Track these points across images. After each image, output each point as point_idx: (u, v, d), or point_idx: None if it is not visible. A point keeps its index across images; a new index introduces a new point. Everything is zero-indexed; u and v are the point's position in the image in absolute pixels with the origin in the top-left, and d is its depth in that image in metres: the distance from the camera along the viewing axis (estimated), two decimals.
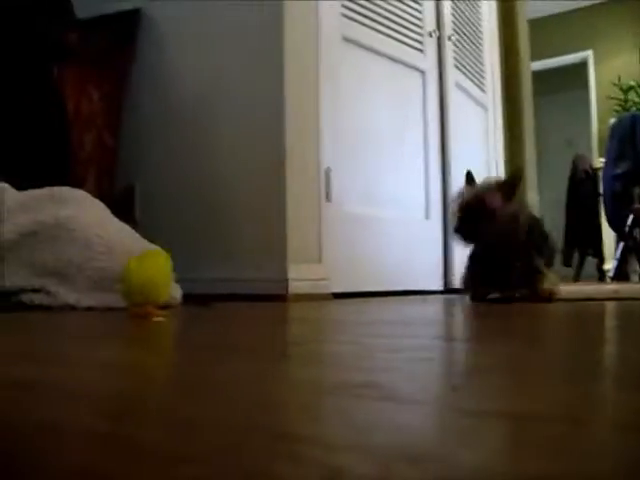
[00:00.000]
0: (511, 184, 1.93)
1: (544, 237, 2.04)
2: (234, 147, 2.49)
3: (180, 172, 2.64)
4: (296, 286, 2.29)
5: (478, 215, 1.84)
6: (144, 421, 0.36)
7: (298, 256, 2.34)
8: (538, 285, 1.88)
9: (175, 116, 2.68)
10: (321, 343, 0.80)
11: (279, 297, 2.26)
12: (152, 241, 1.87)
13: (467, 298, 2.04)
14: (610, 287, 3.04)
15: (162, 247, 1.86)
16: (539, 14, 7.51)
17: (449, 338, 0.84)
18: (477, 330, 1.00)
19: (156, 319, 1.19)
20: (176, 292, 1.80)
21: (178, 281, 1.88)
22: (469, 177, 2.03)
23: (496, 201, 1.86)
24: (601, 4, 7.93)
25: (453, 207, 1.95)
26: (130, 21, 2.79)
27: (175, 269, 1.88)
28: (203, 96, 2.60)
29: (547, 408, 0.37)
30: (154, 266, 1.32)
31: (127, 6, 2.80)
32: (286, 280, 2.27)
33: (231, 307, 1.86)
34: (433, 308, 1.79)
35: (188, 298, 1.89)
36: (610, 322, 1.18)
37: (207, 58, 2.60)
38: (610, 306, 1.67)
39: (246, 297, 2.26)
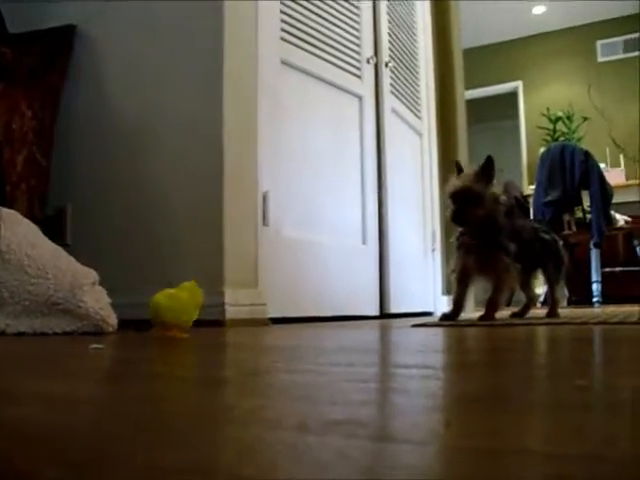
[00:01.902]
0: (487, 169, 2.16)
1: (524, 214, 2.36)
2: (171, 170, 2.45)
3: (115, 194, 2.57)
4: (233, 311, 2.25)
5: (467, 201, 2.12)
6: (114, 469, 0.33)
7: (235, 281, 2.30)
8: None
9: (111, 137, 2.62)
10: (279, 372, 0.76)
11: (216, 322, 2.22)
12: (87, 264, 1.82)
13: (441, 320, 2.24)
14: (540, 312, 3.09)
15: (97, 271, 1.82)
16: (472, 44, 7.68)
17: (409, 366, 0.82)
18: (433, 356, 0.98)
19: (179, 336, 1.46)
20: (112, 318, 1.76)
21: (113, 306, 1.84)
22: (457, 167, 2.27)
23: (480, 186, 2.13)
24: (531, 37, 8.15)
25: (446, 196, 2.22)
26: (64, 37, 2.72)
27: (109, 294, 1.84)
28: (140, 117, 2.55)
29: (553, 445, 0.36)
30: (180, 295, 1.52)
31: (61, 22, 2.73)
32: (222, 305, 2.23)
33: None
34: (378, 333, 1.78)
35: (125, 324, 1.84)
36: (591, 345, 1.18)
37: (145, 78, 2.56)
38: (564, 330, 1.69)
39: None
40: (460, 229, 2.22)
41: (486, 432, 0.40)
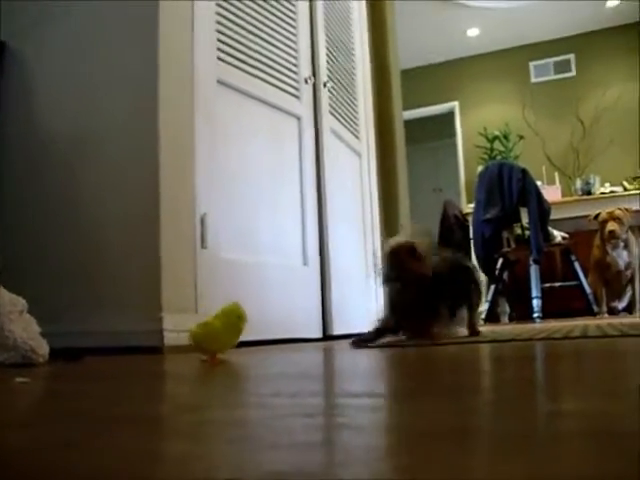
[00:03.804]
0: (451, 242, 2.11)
1: (473, 284, 2.34)
2: (105, 192, 2.37)
3: (47, 218, 2.48)
4: (171, 337, 2.17)
5: (408, 258, 2.06)
6: None
7: (173, 306, 2.23)
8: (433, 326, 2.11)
9: (42, 158, 2.53)
10: (216, 407, 0.70)
11: (154, 349, 2.14)
12: (14, 291, 1.73)
13: (355, 345, 2.11)
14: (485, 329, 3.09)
15: (25, 298, 1.73)
16: (408, 65, 7.76)
17: (357, 394, 0.76)
18: (380, 382, 0.94)
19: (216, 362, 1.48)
20: (42, 348, 1.67)
21: (44, 335, 1.75)
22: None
23: (423, 247, 2.08)
24: (466, 58, 8.28)
25: (384, 255, 2.13)
26: None
27: (40, 322, 1.75)
28: (73, 138, 2.46)
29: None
30: (212, 323, 1.53)
31: None
32: (161, 331, 2.15)
33: (102, 362, 1.74)
34: (321, 357, 1.73)
35: (57, 354, 1.75)
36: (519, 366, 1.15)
37: (78, 98, 2.48)
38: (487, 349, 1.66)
39: (118, 350, 2.13)
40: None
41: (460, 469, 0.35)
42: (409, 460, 0.39)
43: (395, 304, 2.17)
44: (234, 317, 1.53)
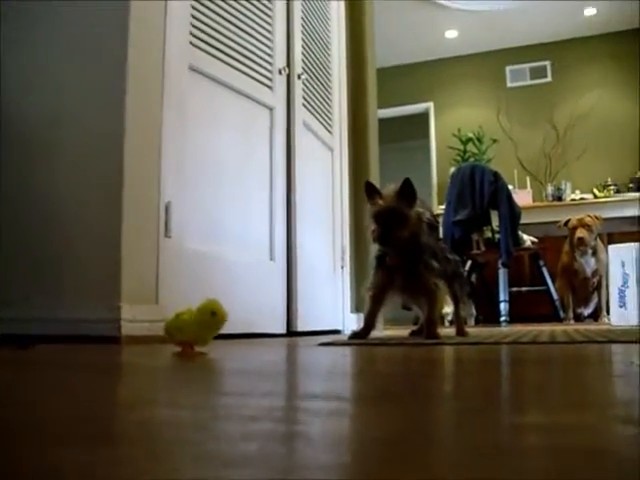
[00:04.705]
0: (407, 189, 2.08)
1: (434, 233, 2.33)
2: (66, 178, 2.29)
3: (4, 201, 2.39)
4: (130, 327, 2.11)
5: (392, 221, 2.06)
6: None
7: (133, 296, 2.16)
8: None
9: (5, 142, 2.44)
10: (158, 406, 0.64)
11: (111, 339, 2.07)
12: None
13: (350, 339, 2.18)
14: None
15: None
16: (384, 64, 7.72)
17: (315, 396, 0.71)
18: (341, 383, 0.89)
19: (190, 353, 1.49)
20: None
21: None
22: (372, 188, 2.17)
23: (404, 206, 2.07)
24: (443, 59, 8.27)
25: (369, 218, 2.13)
26: None
27: None
28: (36, 123, 2.38)
29: None
30: (182, 317, 1.55)
31: None
32: (118, 321, 2.08)
33: (54, 350, 1.67)
34: (283, 353, 1.68)
35: (6, 339, 1.68)
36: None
37: (41, 82, 2.40)
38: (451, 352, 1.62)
39: (74, 339, 2.06)
40: (380, 248, 2.15)
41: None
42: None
43: (386, 264, 2.17)
44: (207, 312, 1.52)
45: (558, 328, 3.47)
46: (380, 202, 2.11)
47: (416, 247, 2.11)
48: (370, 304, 2.22)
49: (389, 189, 2.14)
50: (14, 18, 2.47)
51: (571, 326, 4.05)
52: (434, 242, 2.28)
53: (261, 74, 3.06)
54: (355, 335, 2.24)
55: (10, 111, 2.44)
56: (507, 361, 1.28)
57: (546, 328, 3.53)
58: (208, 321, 1.51)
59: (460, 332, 2.42)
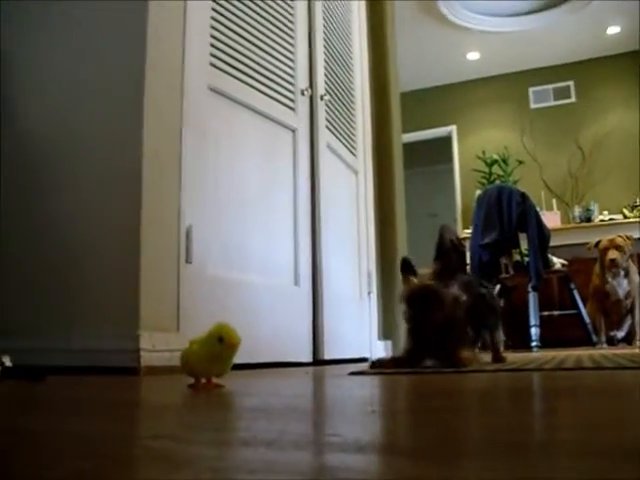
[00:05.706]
0: (448, 269, 1.99)
1: (490, 310, 2.27)
2: (84, 201, 2.21)
3: (19, 226, 2.32)
4: (149, 357, 2.01)
5: (427, 303, 1.94)
6: None
7: (152, 324, 2.07)
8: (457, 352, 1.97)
9: (20, 169, 2.37)
10: (154, 459, 0.54)
11: (130, 370, 1.97)
12: None
13: (372, 368, 2.04)
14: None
15: None
16: (406, 88, 7.65)
17: (347, 447, 0.52)
18: (379, 423, 0.77)
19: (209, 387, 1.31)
20: None
21: (5, 351, 1.59)
22: (408, 266, 2.05)
23: (440, 287, 1.95)
24: (465, 82, 8.19)
25: (401, 298, 2.01)
26: None
27: (5, 336, 1.60)
28: (54, 148, 2.31)
29: None
30: (192, 348, 1.32)
31: None
32: (137, 351, 1.99)
33: (67, 384, 1.57)
34: (311, 385, 1.57)
35: (17, 371, 1.60)
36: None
37: (60, 102, 2.33)
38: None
39: (91, 370, 1.97)
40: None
41: None
42: None
43: (417, 333, 2.04)
44: (213, 339, 1.28)
45: (595, 352, 3.33)
46: (414, 282, 2.00)
47: (450, 328, 1.98)
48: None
49: (423, 271, 2.05)
50: (33, 41, 2.41)
51: (605, 350, 3.91)
52: (478, 296, 2.18)
53: (283, 95, 2.99)
54: (385, 362, 2.12)
55: (26, 137, 2.38)
56: (573, 391, 1.16)
57: (581, 352, 3.40)
58: (214, 351, 1.28)
59: (497, 358, 2.31)
